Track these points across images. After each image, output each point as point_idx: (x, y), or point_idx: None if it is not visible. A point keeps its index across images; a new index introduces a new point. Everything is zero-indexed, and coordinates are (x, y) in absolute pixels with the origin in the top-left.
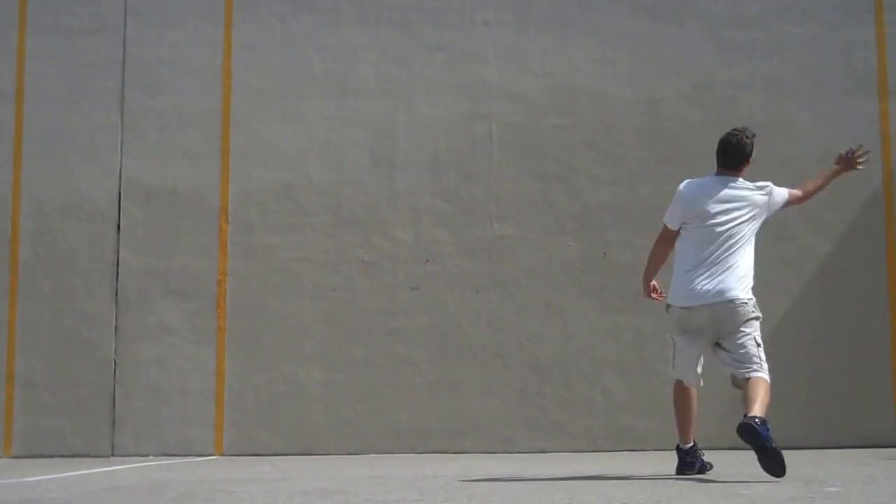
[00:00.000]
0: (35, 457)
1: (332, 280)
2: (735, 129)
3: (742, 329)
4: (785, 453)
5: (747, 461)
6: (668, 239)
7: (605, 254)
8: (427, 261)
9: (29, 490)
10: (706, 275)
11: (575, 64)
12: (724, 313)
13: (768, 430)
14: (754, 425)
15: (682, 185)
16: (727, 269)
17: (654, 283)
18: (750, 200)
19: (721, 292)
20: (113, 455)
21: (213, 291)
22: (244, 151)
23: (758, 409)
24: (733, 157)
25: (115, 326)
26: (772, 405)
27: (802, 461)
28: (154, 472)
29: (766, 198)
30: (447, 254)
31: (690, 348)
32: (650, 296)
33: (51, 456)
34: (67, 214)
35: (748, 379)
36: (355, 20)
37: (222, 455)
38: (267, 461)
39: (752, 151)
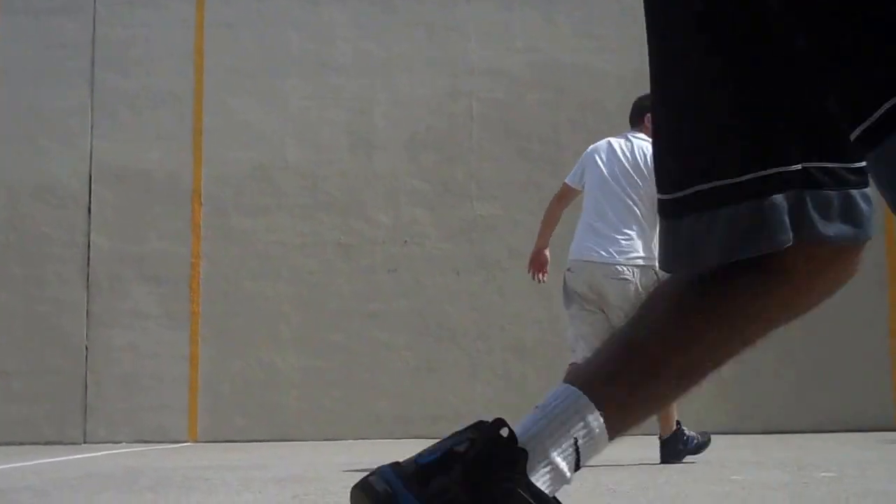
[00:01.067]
0: (7, 444)
1: (309, 263)
2: None
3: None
4: (781, 437)
5: (738, 445)
6: None
7: None
8: (406, 242)
9: (1, 478)
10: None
11: (559, 39)
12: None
13: None
14: None
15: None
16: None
17: None
18: None
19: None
20: (85, 442)
21: (187, 276)
22: (218, 132)
23: None
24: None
25: (87, 312)
26: (764, 388)
27: (798, 445)
28: (128, 459)
29: None
30: (427, 235)
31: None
32: None
33: (22, 443)
34: (38, 199)
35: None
36: None
37: (197, 442)
38: (242, 447)
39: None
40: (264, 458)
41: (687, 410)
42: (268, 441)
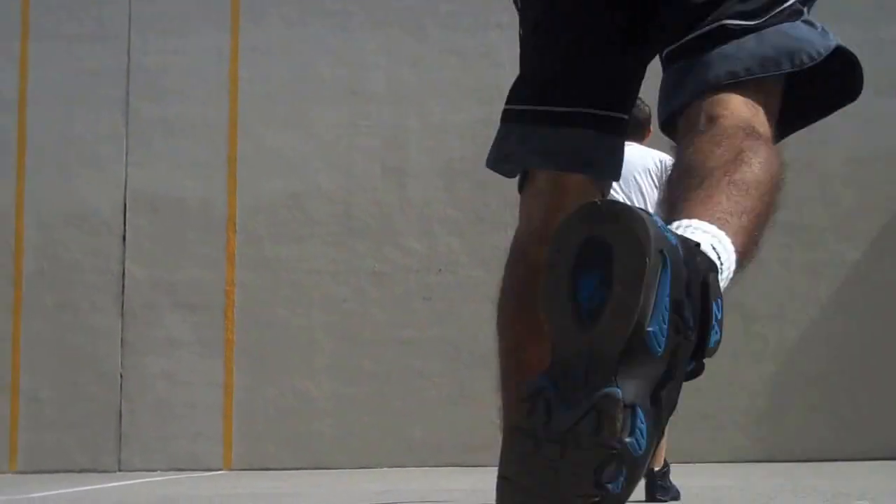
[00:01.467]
0: (42, 472)
1: (342, 291)
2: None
3: None
4: (813, 465)
5: (774, 473)
6: None
7: None
8: (440, 271)
9: None
10: None
11: None
12: None
13: None
14: None
15: None
16: None
17: None
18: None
19: None
20: (120, 470)
21: (221, 303)
22: (252, 160)
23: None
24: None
25: (122, 340)
26: (799, 416)
27: (830, 473)
28: (162, 488)
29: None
30: (460, 263)
31: None
32: None
33: (57, 471)
34: (72, 226)
35: None
36: (365, 24)
37: (231, 469)
38: (276, 475)
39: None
40: (298, 485)
41: (721, 438)
42: (301, 469)
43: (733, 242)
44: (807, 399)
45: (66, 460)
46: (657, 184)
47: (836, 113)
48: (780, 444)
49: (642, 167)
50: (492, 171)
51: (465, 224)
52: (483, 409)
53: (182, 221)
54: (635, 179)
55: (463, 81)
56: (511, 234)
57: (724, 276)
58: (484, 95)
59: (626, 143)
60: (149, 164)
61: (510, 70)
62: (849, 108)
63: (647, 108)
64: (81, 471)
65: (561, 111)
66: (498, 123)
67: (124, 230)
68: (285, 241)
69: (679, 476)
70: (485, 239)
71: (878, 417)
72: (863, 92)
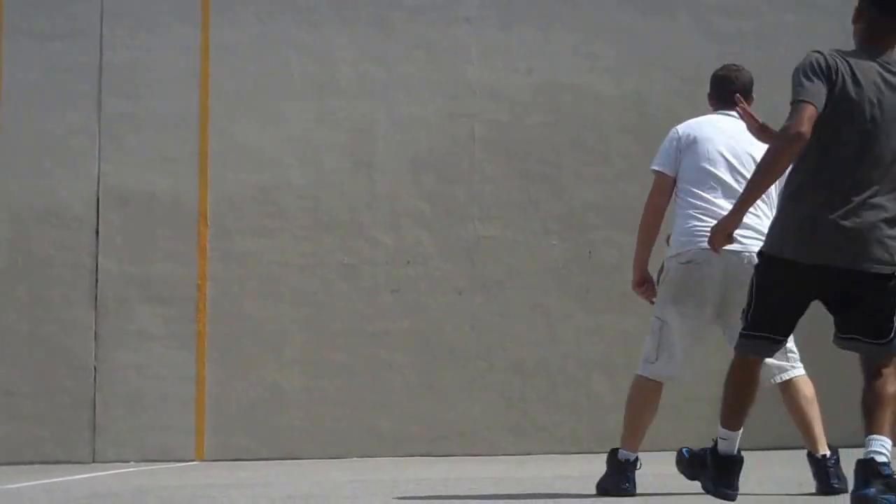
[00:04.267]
0: (15, 464)
1: (312, 284)
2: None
3: None
4: (780, 453)
5: (761, 463)
6: None
7: (590, 253)
8: (408, 263)
9: (10, 497)
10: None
11: (559, 60)
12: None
13: None
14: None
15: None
16: None
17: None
18: None
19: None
20: (93, 462)
21: (193, 297)
22: (222, 155)
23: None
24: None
25: (94, 333)
26: (765, 404)
27: (797, 462)
28: (135, 479)
29: None
30: (429, 256)
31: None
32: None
33: (31, 463)
34: (44, 221)
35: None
36: (334, 19)
37: (203, 461)
38: (248, 466)
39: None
40: (269, 476)
41: (686, 426)
42: (273, 460)
43: None
44: (772, 387)
45: (39, 452)
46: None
47: None
48: (746, 433)
49: (750, 142)
50: (458, 164)
51: (432, 217)
52: (450, 400)
53: (154, 216)
54: (750, 155)
55: (430, 76)
56: (478, 226)
57: None
58: (451, 90)
59: (732, 115)
60: (120, 159)
61: (477, 64)
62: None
63: (748, 72)
64: (55, 462)
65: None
66: (464, 117)
67: (97, 225)
68: (256, 234)
69: (649, 464)
70: (452, 231)
71: (846, 405)
72: None
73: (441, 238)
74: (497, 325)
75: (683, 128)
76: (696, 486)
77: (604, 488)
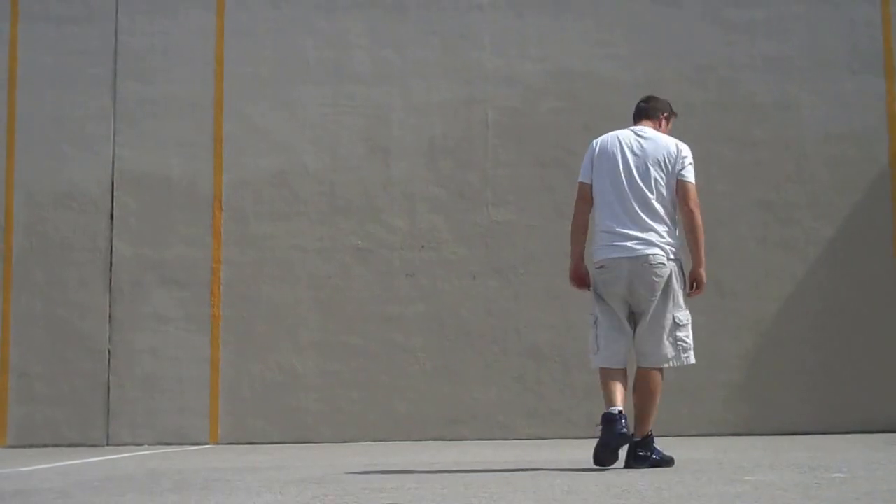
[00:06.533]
0: (30, 446)
1: (327, 268)
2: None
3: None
4: (791, 439)
5: (753, 446)
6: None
7: None
8: (423, 247)
9: (24, 480)
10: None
11: (572, 46)
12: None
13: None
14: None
15: None
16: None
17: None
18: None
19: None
20: (108, 444)
21: (208, 280)
22: (237, 139)
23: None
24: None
25: (109, 316)
26: (777, 390)
27: (808, 446)
28: (149, 461)
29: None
30: (443, 240)
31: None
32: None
33: (45, 445)
34: (60, 205)
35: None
36: (349, 4)
37: (217, 444)
38: (262, 450)
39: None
40: (284, 459)
41: (700, 412)
42: (287, 443)
43: None
44: (784, 373)
45: (55, 435)
46: (671, 170)
47: (812, 93)
48: (758, 418)
49: (659, 155)
50: (473, 149)
51: (447, 201)
52: (465, 384)
53: (169, 199)
54: (651, 168)
55: (444, 61)
56: (492, 211)
57: None
58: (465, 75)
59: (648, 130)
60: (136, 143)
61: (490, 50)
62: (823, 88)
63: (665, 100)
64: (70, 445)
65: None
66: (478, 103)
67: (112, 208)
68: (271, 218)
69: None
70: (467, 216)
71: (854, 391)
72: (838, 71)
73: (456, 222)
74: (511, 310)
75: (598, 141)
76: (715, 469)
77: (604, 442)
